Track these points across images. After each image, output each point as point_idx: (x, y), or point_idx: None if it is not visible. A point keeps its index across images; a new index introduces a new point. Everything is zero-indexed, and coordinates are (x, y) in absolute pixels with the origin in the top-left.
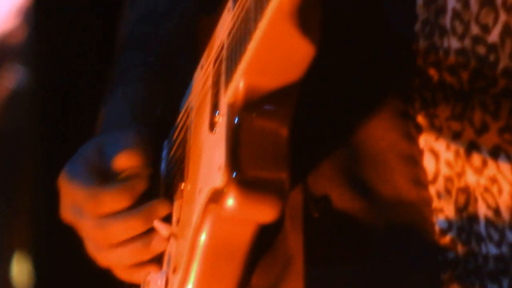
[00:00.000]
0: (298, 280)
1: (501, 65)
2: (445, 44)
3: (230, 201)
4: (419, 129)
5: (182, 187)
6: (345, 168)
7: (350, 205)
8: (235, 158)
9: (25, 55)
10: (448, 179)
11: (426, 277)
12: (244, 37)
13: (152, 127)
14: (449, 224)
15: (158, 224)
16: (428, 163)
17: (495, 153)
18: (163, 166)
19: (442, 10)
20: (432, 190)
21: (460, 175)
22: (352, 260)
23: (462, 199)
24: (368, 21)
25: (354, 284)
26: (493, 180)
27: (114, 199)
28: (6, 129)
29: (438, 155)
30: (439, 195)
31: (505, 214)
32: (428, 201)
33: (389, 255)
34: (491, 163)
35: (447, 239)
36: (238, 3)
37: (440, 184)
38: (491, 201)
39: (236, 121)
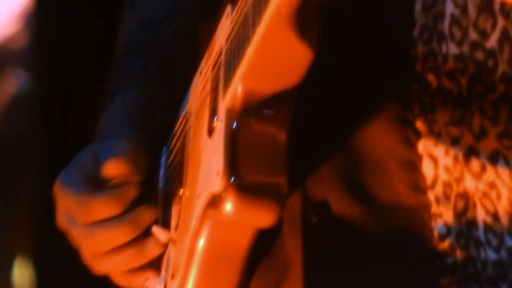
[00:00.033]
0: (297, 285)
1: (500, 70)
2: (444, 49)
3: (228, 206)
4: (418, 135)
5: (181, 193)
6: (344, 173)
7: (349, 210)
8: (233, 163)
9: (27, 59)
10: (447, 185)
11: (425, 283)
12: (242, 42)
13: (151, 134)
14: (448, 229)
15: (156, 230)
16: (427, 168)
17: (493, 159)
18: (162, 172)
19: (440, 15)
20: (431, 195)
21: (459, 180)
22: (351, 265)
23: (460, 204)
24: (366, 27)
25: None
26: (492, 185)
27: (104, 207)
28: (7, 133)
29: (437, 161)
30: (438, 200)
31: (503, 219)
32: (426, 206)
33: (388, 260)
34: (489, 169)
35: (445, 244)
36: (236, 8)
37: (439, 189)
38: (489, 206)
39: (234, 126)
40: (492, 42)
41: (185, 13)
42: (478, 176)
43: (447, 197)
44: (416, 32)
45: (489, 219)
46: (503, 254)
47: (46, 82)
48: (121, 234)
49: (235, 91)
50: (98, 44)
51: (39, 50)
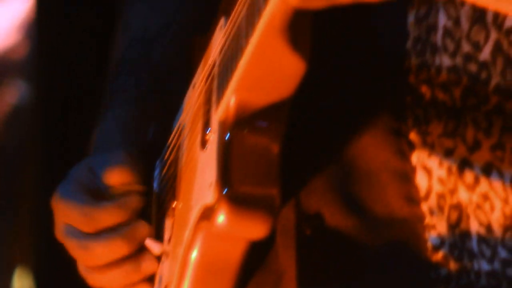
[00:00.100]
0: None
1: (493, 82)
2: (437, 61)
3: (221, 218)
4: (412, 146)
5: (174, 205)
6: (338, 185)
7: (342, 223)
8: (226, 175)
9: (27, 70)
10: (441, 196)
11: None
12: (235, 54)
13: (144, 149)
14: (442, 240)
15: (149, 243)
16: (421, 180)
17: (487, 170)
18: (155, 185)
19: (433, 27)
20: (424, 206)
21: (453, 192)
22: (344, 277)
23: (454, 215)
24: (359, 39)
25: None
26: (485, 197)
27: (110, 215)
28: (7, 144)
29: (430, 172)
30: (431, 212)
31: (497, 231)
32: (420, 218)
33: (382, 272)
34: (483, 180)
35: (439, 255)
36: (229, 20)
37: (432, 201)
38: (483, 218)
39: (227, 138)
40: (485, 54)
41: (178, 28)
42: (471, 188)
43: (440, 208)
44: (409, 44)
45: (482, 231)
46: (497, 265)
47: (46, 92)
48: (117, 248)
49: (228, 103)
50: (98, 55)
51: (40, 60)
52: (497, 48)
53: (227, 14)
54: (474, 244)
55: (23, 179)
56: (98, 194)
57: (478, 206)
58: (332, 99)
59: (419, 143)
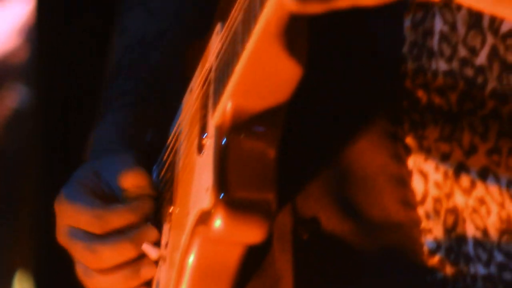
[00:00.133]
0: None
1: (489, 87)
2: (433, 66)
3: (217, 222)
4: (408, 151)
5: (171, 210)
6: (334, 190)
7: (339, 227)
8: (223, 180)
9: (27, 74)
10: (437, 200)
11: None
12: (231, 59)
13: (142, 153)
14: (438, 244)
15: (147, 247)
16: (417, 184)
17: (483, 175)
18: None
19: (429, 32)
20: (420, 211)
21: (449, 196)
22: (341, 281)
23: (450, 220)
24: (356, 44)
25: None
26: (482, 201)
27: (121, 218)
28: (7, 148)
29: (427, 176)
30: (427, 216)
31: (493, 235)
32: (416, 222)
33: (378, 276)
34: (479, 184)
35: (435, 259)
36: (225, 26)
37: (428, 205)
38: (479, 222)
39: (223, 143)
40: (481, 58)
41: (176, 33)
42: (467, 192)
43: (437, 212)
44: (405, 48)
45: (478, 235)
46: (493, 269)
47: (46, 96)
48: (124, 251)
49: (224, 107)
50: (99, 59)
51: (40, 64)
52: (494, 53)
53: (224, 19)
54: (470, 248)
55: (23, 183)
56: (105, 197)
57: (474, 210)
58: (329, 104)
59: (416, 147)
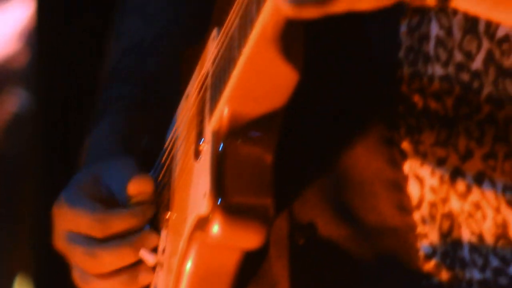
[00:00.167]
0: None
1: (485, 91)
2: (429, 70)
3: (215, 228)
4: (404, 155)
5: (168, 216)
6: (330, 195)
7: (335, 232)
8: (220, 185)
9: (27, 78)
10: (433, 205)
11: None
12: (228, 64)
13: (138, 158)
14: (433, 249)
15: (144, 253)
16: (413, 189)
17: (479, 179)
18: None
19: (425, 37)
20: (416, 215)
21: (445, 201)
22: (338, 287)
23: (446, 224)
24: (351, 49)
25: None
26: (477, 206)
27: (122, 222)
28: (7, 152)
29: (422, 181)
30: (423, 221)
31: (488, 239)
32: (412, 227)
33: (374, 281)
34: (475, 189)
35: (431, 264)
36: (222, 31)
37: (424, 209)
38: (474, 227)
39: (220, 148)
40: (477, 63)
41: (172, 39)
42: (463, 197)
43: (432, 217)
44: (401, 53)
45: (474, 240)
46: (488, 274)
47: (46, 100)
48: (124, 256)
49: (221, 113)
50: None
51: (40, 68)
52: (489, 58)
53: (220, 25)
54: (466, 252)
55: (23, 187)
56: (105, 201)
57: (470, 215)
58: (325, 108)
59: (411, 152)
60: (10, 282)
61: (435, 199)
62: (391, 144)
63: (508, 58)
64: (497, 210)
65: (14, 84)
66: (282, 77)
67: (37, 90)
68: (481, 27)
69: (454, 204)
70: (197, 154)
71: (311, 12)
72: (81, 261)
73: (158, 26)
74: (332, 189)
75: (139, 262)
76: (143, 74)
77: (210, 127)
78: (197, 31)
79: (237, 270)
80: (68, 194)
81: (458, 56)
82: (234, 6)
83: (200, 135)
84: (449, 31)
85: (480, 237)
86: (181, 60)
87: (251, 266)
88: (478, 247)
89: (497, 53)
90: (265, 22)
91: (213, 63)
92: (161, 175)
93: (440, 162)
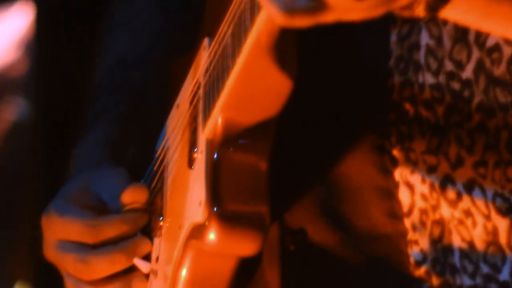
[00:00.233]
0: None
1: (476, 100)
2: (420, 79)
3: (211, 236)
4: (395, 163)
5: (161, 224)
6: (321, 201)
7: (326, 238)
8: (216, 193)
9: (26, 87)
10: (423, 212)
11: None
12: (221, 74)
13: (125, 169)
14: (424, 256)
15: (138, 261)
16: (404, 195)
17: (469, 187)
18: None
19: (415, 46)
20: (407, 222)
21: (435, 208)
22: None
23: (437, 231)
24: (343, 57)
25: None
26: (468, 213)
27: (114, 228)
28: (7, 161)
29: (413, 188)
30: (414, 228)
31: (479, 246)
32: (403, 233)
33: (365, 287)
34: (465, 197)
35: (422, 270)
36: (214, 41)
37: (415, 216)
38: (465, 233)
39: (215, 157)
40: (467, 72)
41: (158, 51)
42: (454, 204)
43: (423, 224)
44: (392, 62)
45: (464, 246)
46: (479, 280)
47: (46, 109)
48: (118, 261)
49: (215, 122)
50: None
51: (39, 77)
52: (479, 67)
53: (211, 34)
54: (456, 259)
55: (23, 195)
56: (95, 210)
57: (461, 222)
58: (316, 116)
59: (402, 160)
60: None
61: (425, 206)
62: (382, 151)
63: (499, 67)
64: (488, 217)
65: (13, 92)
66: (276, 85)
67: (36, 99)
68: (471, 37)
69: (445, 211)
70: (191, 162)
71: (302, 22)
72: (73, 268)
73: (144, 39)
74: (323, 195)
75: (132, 270)
76: (130, 87)
77: (203, 136)
78: (186, 42)
79: (233, 277)
80: (57, 204)
81: (449, 65)
82: (227, 15)
83: (193, 144)
84: (439, 40)
85: (471, 244)
86: (170, 71)
87: (246, 272)
88: (469, 253)
89: (487, 62)
90: (259, 31)
91: (205, 72)
92: (153, 184)
93: (430, 170)
